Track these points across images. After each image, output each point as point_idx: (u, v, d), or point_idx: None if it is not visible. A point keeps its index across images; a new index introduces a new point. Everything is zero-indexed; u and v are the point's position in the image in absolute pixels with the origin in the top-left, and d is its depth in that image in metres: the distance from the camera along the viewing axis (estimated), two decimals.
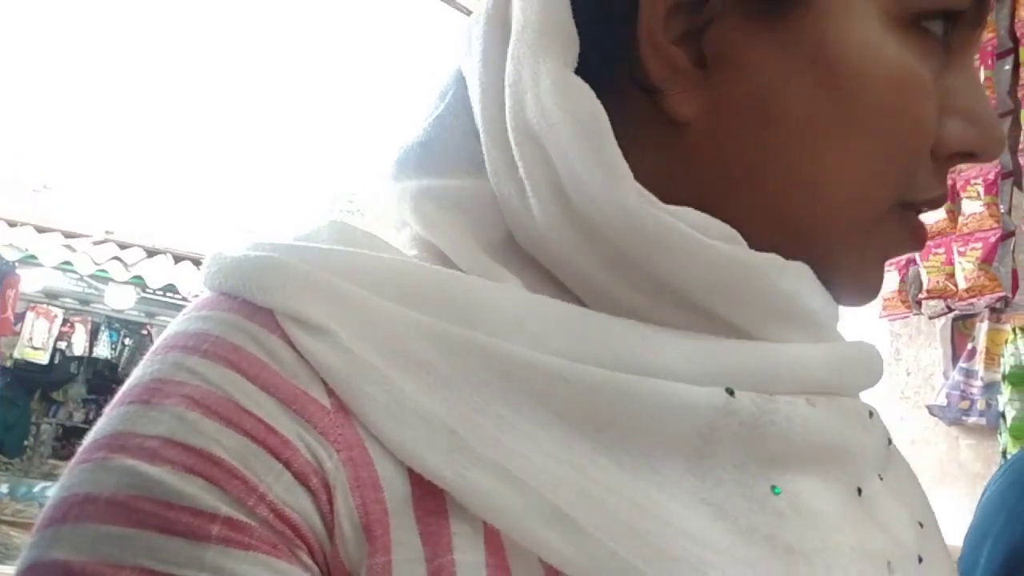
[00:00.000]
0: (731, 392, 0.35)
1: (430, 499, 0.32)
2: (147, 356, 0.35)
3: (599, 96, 0.37)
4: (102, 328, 7.78)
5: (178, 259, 7.14)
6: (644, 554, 0.32)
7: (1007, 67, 1.93)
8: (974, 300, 1.95)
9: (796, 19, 0.37)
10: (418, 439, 0.32)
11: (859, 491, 0.39)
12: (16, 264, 6.37)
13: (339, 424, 0.32)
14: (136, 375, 0.34)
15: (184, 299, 6.76)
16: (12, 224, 6.53)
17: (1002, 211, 1.87)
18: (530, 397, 0.33)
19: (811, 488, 0.36)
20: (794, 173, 0.37)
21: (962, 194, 1.95)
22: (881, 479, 0.41)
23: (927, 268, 2.04)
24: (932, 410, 2.22)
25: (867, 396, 0.44)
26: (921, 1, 0.38)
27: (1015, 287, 1.86)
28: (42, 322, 7.30)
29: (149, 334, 7.79)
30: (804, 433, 0.36)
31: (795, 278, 0.38)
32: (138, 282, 6.56)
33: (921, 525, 0.43)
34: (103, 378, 7.99)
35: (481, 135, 0.40)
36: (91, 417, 7.81)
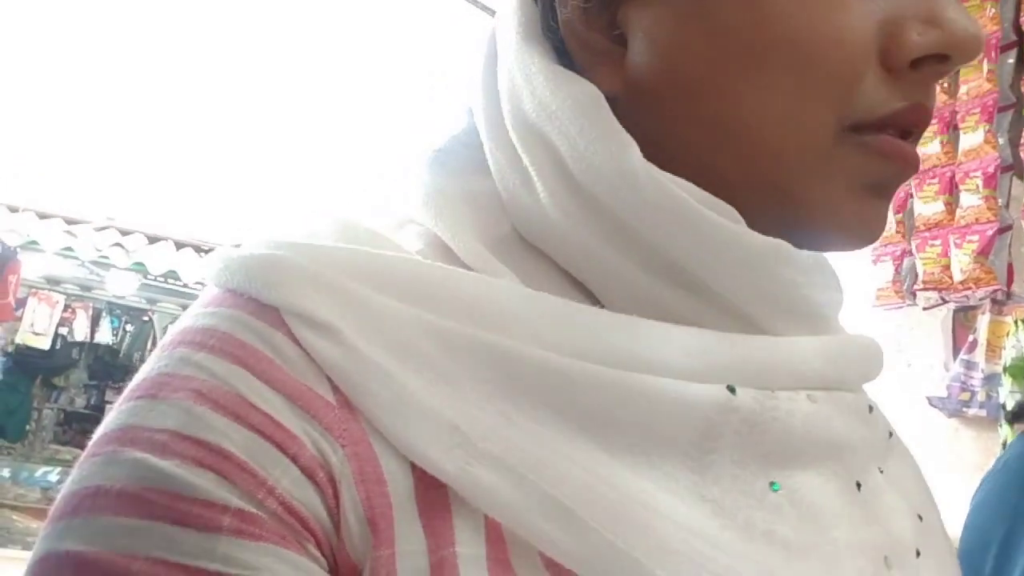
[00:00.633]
0: (732, 390, 0.35)
1: (433, 493, 0.32)
2: (155, 352, 0.35)
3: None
4: (104, 314, 7.79)
5: (180, 245, 7.15)
6: (644, 547, 0.32)
7: (1010, 60, 1.92)
8: (969, 292, 1.95)
9: None
10: (421, 434, 0.32)
11: (858, 486, 0.39)
12: (17, 250, 6.37)
13: (344, 420, 0.33)
14: (144, 371, 0.34)
15: (185, 285, 6.78)
16: (13, 210, 6.53)
17: (1000, 204, 1.86)
18: (531, 393, 0.34)
19: (810, 484, 0.37)
20: (717, 127, 0.38)
21: (961, 187, 1.95)
22: (881, 472, 0.42)
23: (923, 259, 2.04)
24: (932, 402, 2.23)
25: (867, 387, 0.44)
26: None
27: (1010, 280, 1.86)
28: (44, 308, 7.30)
29: (151, 320, 7.81)
30: (805, 430, 0.36)
31: (798, 267, 0.38)
32: (139, 268, 6.57)
33: (921, 518, 0.43)
34: (104, 364, 8.01)
35: (485, 143, 0.42)
36: (92, 402, 7.85)
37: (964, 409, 2.10)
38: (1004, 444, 1.84)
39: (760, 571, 0.34)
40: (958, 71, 2.05)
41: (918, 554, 0.40)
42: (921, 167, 2.12)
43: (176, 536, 0.29)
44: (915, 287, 2.13)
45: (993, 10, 1.97)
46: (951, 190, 1.97)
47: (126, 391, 0.34)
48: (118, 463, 0.31)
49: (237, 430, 0.31)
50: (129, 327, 7.93)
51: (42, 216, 6.64)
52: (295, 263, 0.35)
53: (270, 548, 0.30)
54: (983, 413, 2.00)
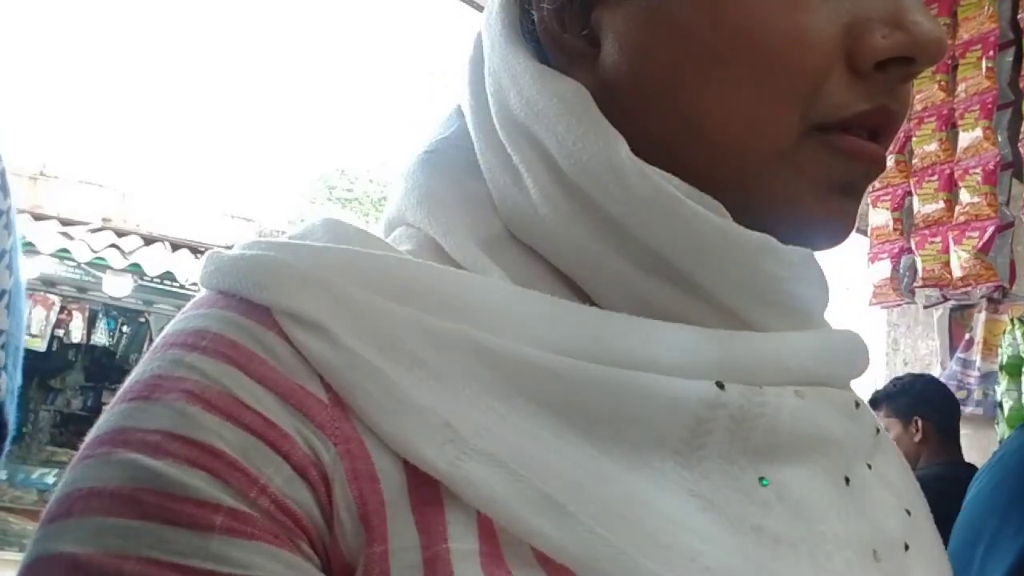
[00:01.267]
0: (721, 385, 0.36)
1: (425, 489, 0.33)
2: (147, 354, 0.35)
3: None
4: (100, 315, 7.77)
5: (176, 247, 7.13)
6: (634, 541, 0.33)
7: (1008, 58, 1.92)
8: (969, 289, 1.95)
9: None
10: (413, 431, 0.33)
11: (847, 480, 0.39)
12: None
13: (336, 418, 0.33)
14: (136, 373, 0.35)
15: (182, 287, 6.76)
16: None
17: (1000, 201, 1.86)
18: (520, 391, 0.34)
19: (798, 478, 0.37)
20: (683, 125, 0.38)
21: (960, 184, 1.95)
22: (870, 468, 0.42)
23: (922, 256, 2.04)
24: None
25: (865, 388, 0.44)
26: None
27: (1013, 278, 1.86)
28: (39, 310, 7.28)
29: (147, 321, 7.79)
30: (792, 425, 0.37)
31: (783, 262, 0.38)
32: (135, 269, 6.56)
33: (909, 513, 0.43)
34: (101, 365, 7.98)
35: (475, 144, 0.43)
36: (89, 404, 7.82)
37: (961, 407, 2.10)
38: (1000, 442, 1.84)
39: (750, 564, 0.34)
40: (956, 69, 2.05)
41: (907, 548, 0.41)
42: (920, 165, 2.12)
43: (168, 536, 0.29)
44: (914, 284, 2.13)
45: (991, 8, 1.97)
46: (950, 187, 1.97)
47: (119, 393, 0.34)
48: (111, 464, 0.31)
49: (229, 429, 0.31)
50: (125, 329, 7.91)
51: (37, 218, 6.63)
52: (285, 263, 0.35)
53: (262, 547, 0.30)
54: (979, 411, 2.01)
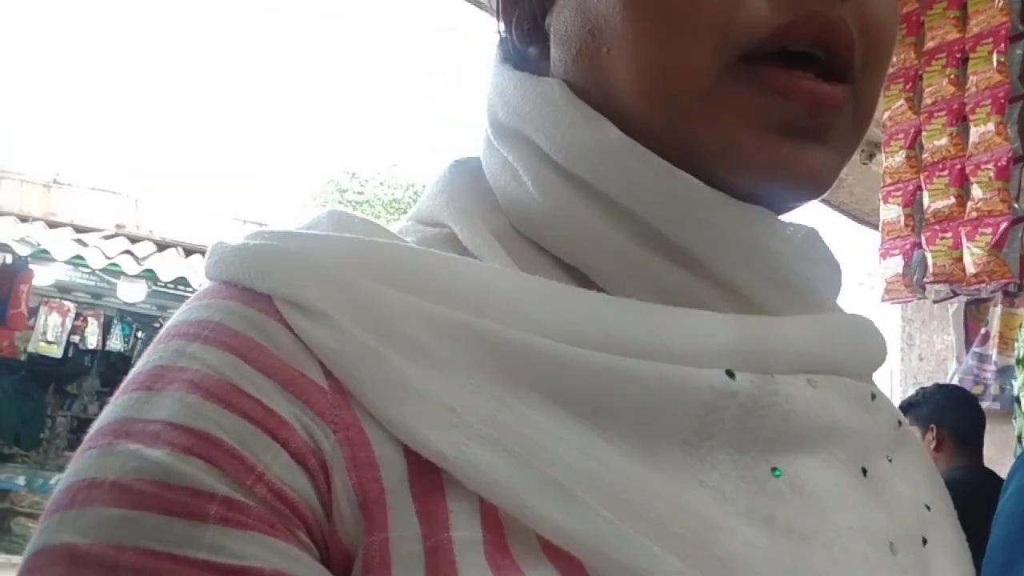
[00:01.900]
0: (731, 374, 0.35)
1: (427, 477, 0.32)
2: (151, 345, 0.36)
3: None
4: (115, 321, 7.82)
5: (189, 252, 7.17)
6: (644, 528, 0.32)
7: (1020, 52, 1.91)
8: (981, 285, 1.93)
9: None
10: (416, 416, 0.32)
11: (864, 471, 0.39)
12: (28, 259, 6.40)
13: (337, 405, 0.33)
14: (140, 364, 0.35)
15: (195, 291, 6.77)
16: (23, 219, 6.56)
17: (1013, 196, 1.85)
18: (525, 379, 0.34)
19: (813, 469, 0.37)
20: (621, 87, 0.38)
21: (972, 179, 1.93)
22: (890, 461, 0.42)
23: (933, 252, 2.03)
24: None
25: (879, 382, 0.44)
26: None
27: None
28: (55, 316, 7.34)
29: (161, 326, 7.81)
30: (805, 414, 0.37)
31: (778, 235, 0.38)
32: (149, 275, 6.59)
33: (928, 508, 0.43)
34: (117, 371, 8.02)
35: (480, 153, 0.45)
36: None
37: (983, 413, 2.08)
38: (1019, 437, 1.83)
39: (761, 556, 0.34)
40: (967, 63, 2.04)
41: (925, 542, 0.40)
42: (930, 160, 2.11)
43: (164, 525, 0.29)
44: (924, 280, 2.11)
45: (1002, 1, 1.95)
46: (961, 182, 1.96)
47: (122, 384, 0.34)
48: (112, 455, 0.31)
49: (228, 417, 0.31)
50: (140, 334, 7.95)
51: (52, 225, 6.67)
52: (287, 251, 0.35)
53: (257, 537, 0.30)
54: (996, 406, 2.00)
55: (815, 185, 0.38)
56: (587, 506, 0.32)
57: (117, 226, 7.05)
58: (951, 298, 2.10)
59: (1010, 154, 1.83)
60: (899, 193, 2.17)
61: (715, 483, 0.35)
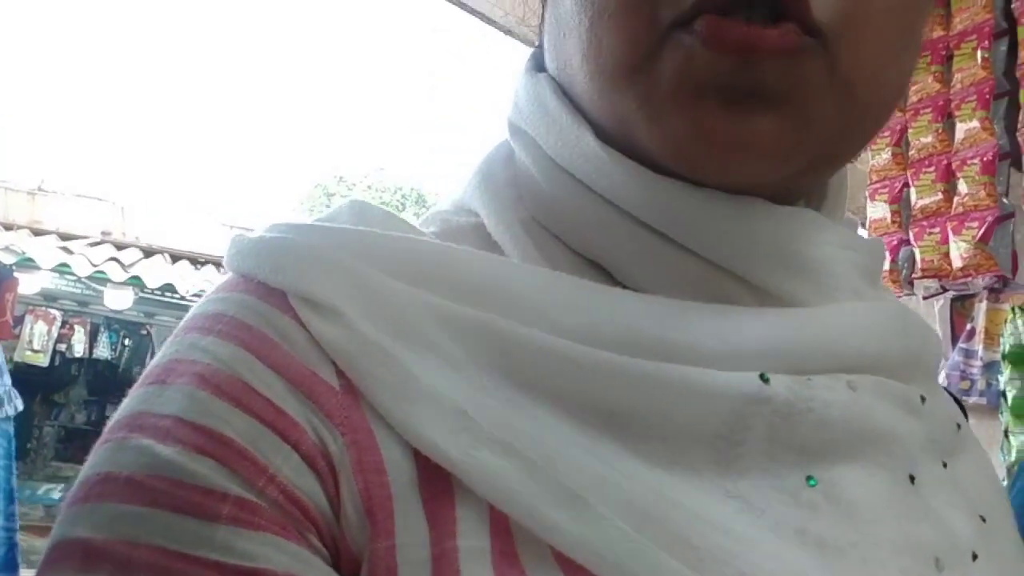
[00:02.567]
0: (765, 378, 0.33)
1: (436, 482, 0.32)
2: (170, 338, 0.36)
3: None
4: (101, 329, 7.77)
5: (175, 258, 7.13)
6: (661, 541, 0.30)
7: (1003, 48, 1.92)
8: (969, 279, 1.94)
9: None
10: (425, 419, 0.32)
11: (911, 479, 0.36)
12: (13, 268, 6.35)
13: (346, 406, 0.32)
14: (158, 356, 0.35)
15: (182, 298, 6.76)
16: (8, 227, 6.51)
17: (1000, 192, 1.86)
18: (541, 381, 0.33)
19: (852, 478, 0.34)
20: (578, 77, 0.37)
21: (958, 174, 1.95)
22: (945, 467, 0.39)
23: (921, 248, 2.04)
24: None
25: None
26: None
27: (1015, 267, 1.85)
28: (41, 325, 7.28)
29: (149, 334, 7.78)
30: (844, 420, 0.34)
31: (772, 217, 0.36)
32: (136, 282, 6.56)
33: (984, 519, 0.39)
34: (104, 379, 7.97)
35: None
36: (93, 418, 7.81)
37: (964, 397, 2.09)
38: (1005, 432, 1.84)
39: (791, 570, 0.31)
40: (952, 60, 2.05)
41: (975, 557, 0.37)
42: (917, 156, 2.12)
43: (176, 524, 0.29)
44: (913, 276, 2.12)
45: None
46: (948, 178, 1.97)
47: (140, 377, 0.35)
48: (126, 449, 0.31)
49: (238, 416, 0.31)
50: (127, 341, 7.91)
51: (36, 233, 6.63)
52: (303, 246, 0.35)
53: (269, 538, 0.30)
54: (983, 401, 2.00)
55: (757, 158, 0.33)
56: (601, 516, 0.30)
57: (103, 233, 7.01)
58: (940, 294, 2.11)
59: (996, 149, 1.84)
60: (886, 191, 2.18)
61: (743, 493, 0.32)
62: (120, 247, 6.90)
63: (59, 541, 0.31)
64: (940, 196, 1.99)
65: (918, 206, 2.06)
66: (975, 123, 1.90)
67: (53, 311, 7.41)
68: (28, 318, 7.16)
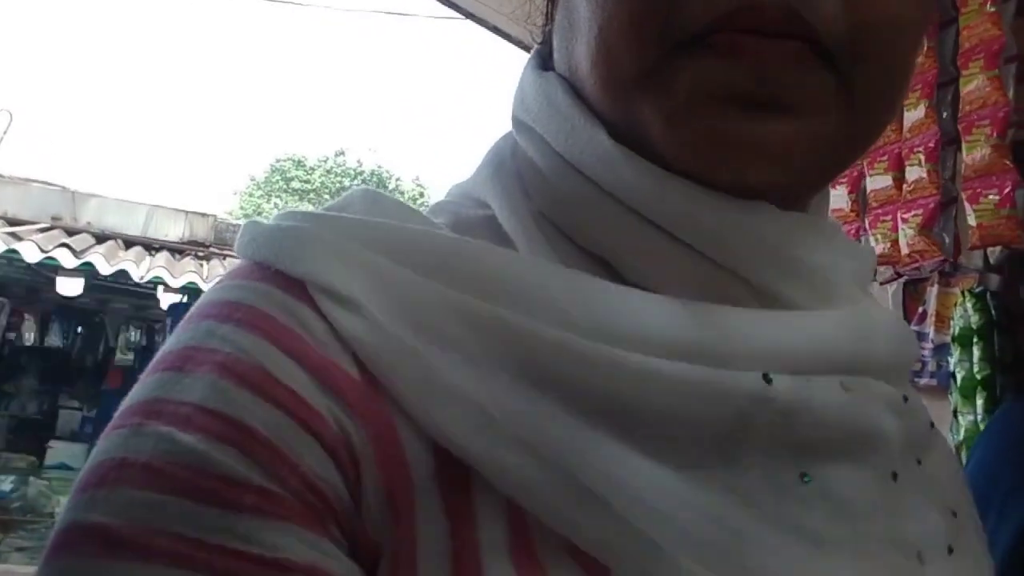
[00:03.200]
0: (768, 379, 0.34)
1: (456, 476, 0.32)
2: (181, 324, 0.35)
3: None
4: (53, 317, 7.60)
5: (129, 244, 7.00)
6: (670, 537, 0.32)
7: (949, 39, 1.96)
8: (918, 265, 1.99)
9: None
10: (447, 415, 0.32)
11: (894, 476, 0.38)
12: None
13: (367, 397, 0.33)
14: (170, 343, 0.34)
15: (136, 285, 6.63)
16: None
17: (945, 178, 1.90)
18: (556, 378, 0.33)
19: (843, 475, 0.36)
20: (586, 81, 0.39)
21: (906, 162, 1.99)
22: (919, 464, 0.41)
23: (875, 235, 2.07)
24: None
25: None
26: None
27: (957, 252, 1.90)
28: None
29: (102, 321, 7.63)
30: (838, 420, 0.35)
31: (776, 222, 0.37)
32: (88, 268, 6.42)
33: (954, 514, 0.41)
34: (56, 368, 7.81)
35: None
36: (45, 408, 7.64)
37: (916, 379, 2.15)
38: (954, 411, 1.89)
39: (789, 564, 0.33)
40: None
41: (950, 551, 0.39)
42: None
43: (198, 513, 0.29)
44: None
45: None
46: (899, 166, 2.01)
47: (152, 363, 0.34)
48: (143, 435, 0.31)
49: (261, 406, 0.31)
50: (80, 329, 7.74)
51: None
52: (322, 236, 0.35)
53: (291, 528, 0.30)
54: (934, 383, 2.05)
55: (771, 161, 0.35)
56: (614, 513, 0.31)
57: (53, 218, 6.84)
58: (895, 280, 2.15)
59: (938, 136, 1.88)
60: (844, 179, 2.22)
61: (744, 490, 0.34)
62: (71, 233, 6.75)
63: (71, 525, 0.30)
64: (891, 183, 2.03)
65: (872, 194, 2.10)
66: (920, 111, 1.94)
67: (1, 299, 7.23)
68: None
